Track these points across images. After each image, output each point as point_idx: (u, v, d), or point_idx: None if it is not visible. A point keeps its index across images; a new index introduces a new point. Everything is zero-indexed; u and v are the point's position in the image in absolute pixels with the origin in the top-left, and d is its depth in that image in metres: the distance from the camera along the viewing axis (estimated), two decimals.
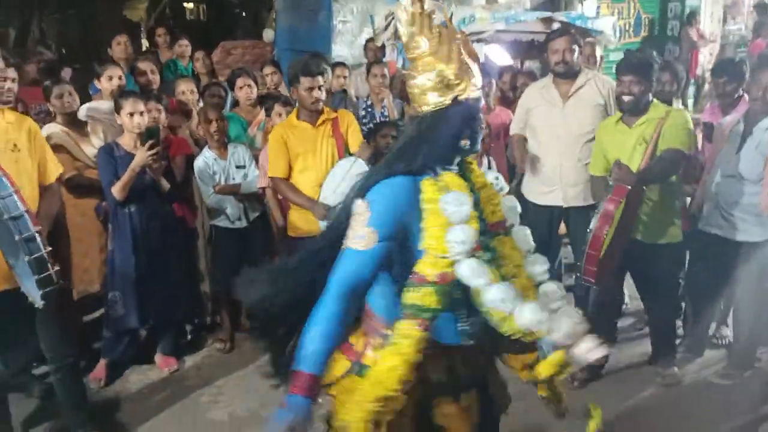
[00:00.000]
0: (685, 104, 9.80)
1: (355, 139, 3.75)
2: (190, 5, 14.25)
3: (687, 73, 7.25)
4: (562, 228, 4.09)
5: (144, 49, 9.63)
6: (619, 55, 5.83)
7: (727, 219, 3.51)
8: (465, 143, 1.75)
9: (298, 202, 3.64)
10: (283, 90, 5.08)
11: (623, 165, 3.22)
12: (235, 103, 4.80)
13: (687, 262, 3.94)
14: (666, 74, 3.97)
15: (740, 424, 3.23)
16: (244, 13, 12.26)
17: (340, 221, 1.78)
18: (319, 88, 3.62)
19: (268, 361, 1.97)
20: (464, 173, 1.83)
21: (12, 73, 3.61)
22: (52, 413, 3.32)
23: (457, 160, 1.80)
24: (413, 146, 1.73)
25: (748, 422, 3.26)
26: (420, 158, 1.71)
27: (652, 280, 3.61)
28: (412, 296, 1.66)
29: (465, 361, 1.84)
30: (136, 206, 3.59)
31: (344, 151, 3.72)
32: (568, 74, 3.82)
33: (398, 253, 1.69)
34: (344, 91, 5.34)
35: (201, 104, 4.52)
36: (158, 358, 3.90)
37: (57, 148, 3.40)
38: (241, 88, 4.57)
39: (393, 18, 6.23)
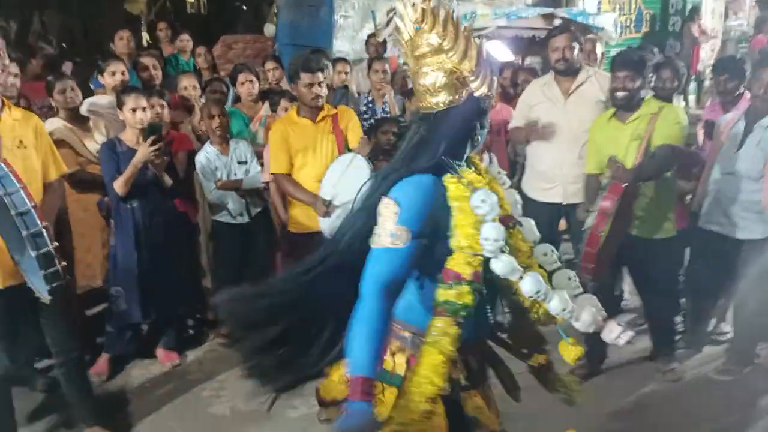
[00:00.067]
0: (686, 100, 9.78)
1: (354, 135, 3.74)
2: None
3: (688, 69, 7.25)
4: (562, 224, 4.10)
5: (145, 42, 9.62)
6: None
7: (728, 216, 3.53)
8: (477, 139, 1.77)
9: (300, 197, 3.65)
10: (285, 85, 5.08)
11: (619, 162, 3.23)
12: (237, 99, 4.81)
13: (688, 259, 3.95)
14: (667, 71, 3.97)
15: (740, 420, 3.25)
16: (244, 7, 12.21)
17: (344, 231, 1.77)
18: (319, 84, 3.61)
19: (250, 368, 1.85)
20: (476, 169, 1.84)
21: (14, 68, 3.62)
22: (55, 407, 3.34)
23: (466, 155, 1.81)
24: (431, 143, 1.72)
25: (748, 418, 3.27)
26: (439, 155, 1.71)
27: (648, 275, 3.62)
28: (448, 294, 1.68)
29: (476, 354, 1.89)
30: (139, 202, 3.60)
31: (344, 148, 3.72)
32: (568, 72, 3.83)
33: (425, 251, 1.68)
34: (346, 86, 5.33)
35: (203, 100, 4.53)
36: (160, 352, 3.92)
37: (59, 144, 3.41)
38: (242, 83, 4.58)
39: (395, 14, 6.22)
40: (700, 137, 4.31)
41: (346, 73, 5.39)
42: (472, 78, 1.67)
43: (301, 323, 1.77)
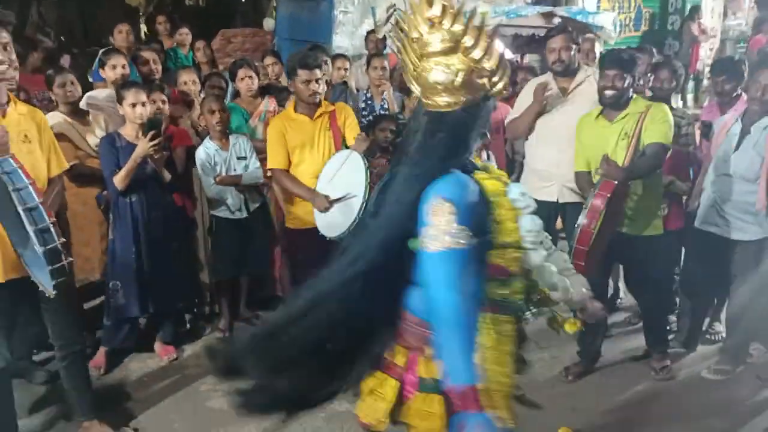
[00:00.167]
0: (684, 99, 9.81)
1: (352, 132, 3.75)
2: None
3: (686, 69, 7.27)
4: (559, 223, 4.12)
5: (143, 35, 9.59)
6: None
7: (724, 217, 3.55)
8: (486, 138, 1.80)
9: (299, 193, 3.67)
10: (284, 81, 5.08)
11: (611, 160, 3.24)
12: (236, 94, 4.81)
13: (682, 258, 3.97)
14: (665, 71, 3.99)
15: (732, 419, 3.28)
16: (243, 0, 12.17)
17: (366, 237, 1.70)
18: (317, 81, 3.61)
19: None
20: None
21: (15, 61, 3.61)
22: (54, 399, 3.36)
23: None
24: (457, 142, 1.66)
25: (740, 417, 3.31)
26: (469, 153, 1.71)
27: (639, 273, 3.66)
28: (501, 291, 1.66)
29: None
30: (138, 196, 3.62)
31: (341, 144, 3.73)
32: (566, 72, 3.84)
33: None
34: (345, 83, 5.34)
35: (203, 95, 4.53)
36: (158, 346, 3.94)
37: (59, 137, 3.39)
38: (242, 79, 4.58)
39: (395, 10, 6.21)
40: (697, 138, 4.33)
41: (345, 69, 5.39)
42: (494, 78, 1.60)
43: (330, 353, 1.67)
